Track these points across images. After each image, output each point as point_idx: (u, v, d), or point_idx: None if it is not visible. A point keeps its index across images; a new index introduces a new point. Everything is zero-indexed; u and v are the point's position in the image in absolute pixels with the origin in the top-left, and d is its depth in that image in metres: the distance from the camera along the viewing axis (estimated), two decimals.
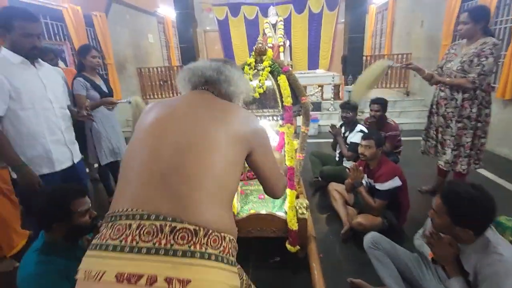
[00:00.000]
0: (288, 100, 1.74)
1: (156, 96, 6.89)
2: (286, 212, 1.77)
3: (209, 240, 0.67)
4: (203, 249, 0.66)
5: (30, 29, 1.46)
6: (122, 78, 6.28)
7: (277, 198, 1.01)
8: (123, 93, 5.98)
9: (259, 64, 1.95)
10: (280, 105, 1.77)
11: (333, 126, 2.93)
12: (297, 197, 1.92)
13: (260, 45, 1.98)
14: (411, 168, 3.18)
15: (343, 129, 2.97)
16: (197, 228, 0.67)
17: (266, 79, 1.82)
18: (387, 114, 2.95)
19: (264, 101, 1.79)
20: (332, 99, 5.84)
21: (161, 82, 6.88)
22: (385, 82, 6.35)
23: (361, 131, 2.69)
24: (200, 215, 0.69)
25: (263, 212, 1.79)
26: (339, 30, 9.46)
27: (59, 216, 1.14)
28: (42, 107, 1.58)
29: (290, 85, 1.83)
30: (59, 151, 1.69)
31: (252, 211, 1.84)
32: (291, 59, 8.89)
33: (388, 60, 2.44)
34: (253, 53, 2.02)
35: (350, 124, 2.85)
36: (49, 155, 1.62)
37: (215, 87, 0.96)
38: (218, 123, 0.81)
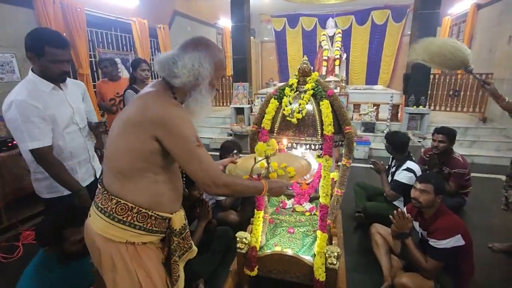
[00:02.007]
0: (329, 129, 1.68)
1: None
2: (314, 257, 1.65)
3: (101, 199, 1.07)
4: (101, 205, 1.06)
5: (61, 56, 1.48)
6: None
7: (210, 194, 1.11)
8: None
9: (302, 86, 1.89)
10: (319, 133, 1.71)
11: (374, 162, 2.75)
12: (330, 238, 1.82)
13: (305, 65, 1.91)
14: (482, 216, 2.79)
15: (392, 162, 2.77)
16: (107, 193, 1.06)
17: (307, 103, 1.77)
18: (455, 145, 2.68)
19: (302, 128, 1.74)
20: (389, 121, 5.50)
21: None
22: (456, 104, 5.77)
23: (409, 169, 2.48)
24: (108, 186, 1.06)
25: (289, 252, 1.69)
26: (405, 43, 8.90)
27: (49, 240, 1.24)
28: (70, 130, 1.62)
29: (334, 111, 1.77)
30: (84, 169, 1.75)
31: (277, 248, 1.75)
32: (347, 73, 8.66)
33: (469, 60, 2.00)
34: (296, 73, 1.96)
35: (399, 159, 2.64)
36: (76, 176, 1.65)
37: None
38: (128, 111, 1.05)
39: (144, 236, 1.07)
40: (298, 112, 1.74)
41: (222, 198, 2.47)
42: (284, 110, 1.77)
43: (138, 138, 1.00)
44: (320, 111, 1.74)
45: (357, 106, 5.85)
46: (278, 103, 1.84)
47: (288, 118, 1.75)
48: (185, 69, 1.05)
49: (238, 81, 6.31)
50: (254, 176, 1.35)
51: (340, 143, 1.82)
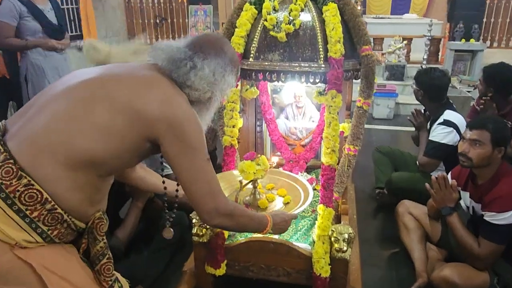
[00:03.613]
0: (337, 49, 1.67)
1: (148, 41, 7.03)
2: (313, 244, 1.68)
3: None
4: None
5: None
6: (100, 12, 6.39)
7: (205, 223, 1.28)
8: (99, 33, 6.11)
9: None
10: (321, 55, 1.72)
11: (418, 113, 2.76)
12: (338, 219, 1.88)
13: None
14: None
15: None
16: (13, 163, 1.05)
17: (302, 9, 1.78)
18: None
19: (295, 47, 1.75)
20: (425, 62, 5.49)
21: (158, 20, 7.06)
22: None
23: (446, 122, 2.50)
24: (23, 161, 1.06)
25: (275, 238, 1.69)
26: None
27: None
28: None
29: (344, 23, 1.79)
30: None
31: (255, 235, 1.74)
32: None
33: None
34: None
35: (433, 109, 2.66)
36: None
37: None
38: (110, 84, 1.15)
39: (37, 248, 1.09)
40: (289, 23, 1.71)
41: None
42: (265, 20, 1.75)
43: (124, 128, 1.09)
44: (323, 22, 1.73)
45: (378, 42, 5.73)
46: (257, 12, 1.83)
47: (272, 33, 1.74)
48: (205, 82, 1.20)
49: (197, 3, 6.14)
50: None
51: (354, 73, 1.82)
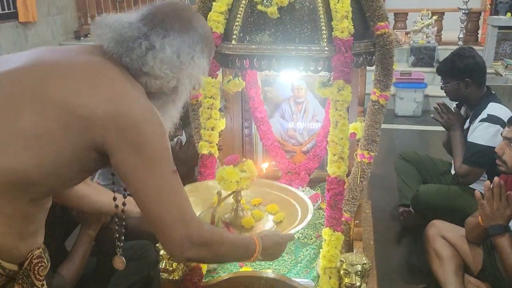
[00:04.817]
0: (343, 26, 1.68)
1: None
2: (318, 279, 1.70)
3: None
4: None
5: None
6: None
7: (176, 258, 1.36)
8: (39, 11, 6.17)
9: None
10: (324, 35, 1.73)
11: (444, 107, 2.83)
12: (350, 246, 1.89)
13: None
14: None
15: (463, 112, 2.88)
16: None
17: None
18: None
19: (290, 26, 1.76)
20: (461, 43, 5.60)
21: None
22: None
23: (491, 118, 2.57)
24: None
25: (269, 274, 1.71)
26: None
27: None
28: None
29: None
30: None
31: (243, 269, 1.78)
32: None
33: None
34: None
35: (473, 101, 2.73)
36: None
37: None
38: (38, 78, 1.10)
39: None
40: None
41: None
42: None
43: (59, 136, 1.04)
44: None
45: (401, 17, 5.81)
46: None
47: (260, 8, 1.75)
48: (168, 67, 1.15)
49: None
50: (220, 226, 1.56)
51: (367, 58, 1.84)
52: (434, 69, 5.47)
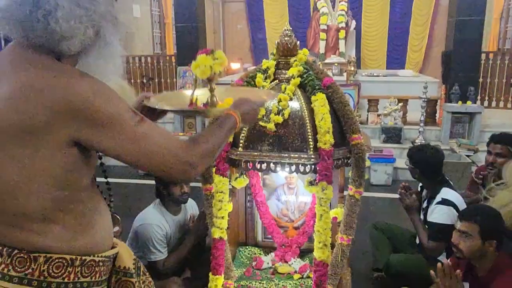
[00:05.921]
0: (326, 139, 1.80)
1: None
2: None
3: (13, 261, 1.05)
4: (5, 271, 1.05)
5: None
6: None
7: (190, 180, 1.26)
8: None
9: (283, 72, 2.06)
10: (311, 146, 1.84)
11: (407, 191, 2.88)
12: None
13: (287, 38, 2.07)
14: None
15: (421, 193, 2.97)
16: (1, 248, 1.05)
17: (291, 99, 1.91)
18: None
19: (285, 138, 1.87)
20: (422, 124, 5.80)
21: (144, 80, 7.43)
22: None
23: (445, 201, 2.64)
24: (3, 236, 1.07)
25: None
26: (442, 9, 9.32)
27: None
28: None
29: (333, 111, 1.91)
30: None
31: None
32: (358, 51, 9.10)
33: None
34: (274, 51, 2.12)
35: (430, 186, 2.83)
36: None
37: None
38: None
39: None
40: (278, 114, 1.85)
41: (158, 257, 2.54)
42: None
43: (41, 150, 1.01)
44: (312, 111, 1.86)
45: (374, 102, 6.07)
46: None
47: (261, 123, 1.86)
48: (75, 21, 1.01)
49: (185, 64, 6.40)
50: (199, 105, 1.46)
51: (345, 161, 1.95)
52: (401, 146, 5.75)
